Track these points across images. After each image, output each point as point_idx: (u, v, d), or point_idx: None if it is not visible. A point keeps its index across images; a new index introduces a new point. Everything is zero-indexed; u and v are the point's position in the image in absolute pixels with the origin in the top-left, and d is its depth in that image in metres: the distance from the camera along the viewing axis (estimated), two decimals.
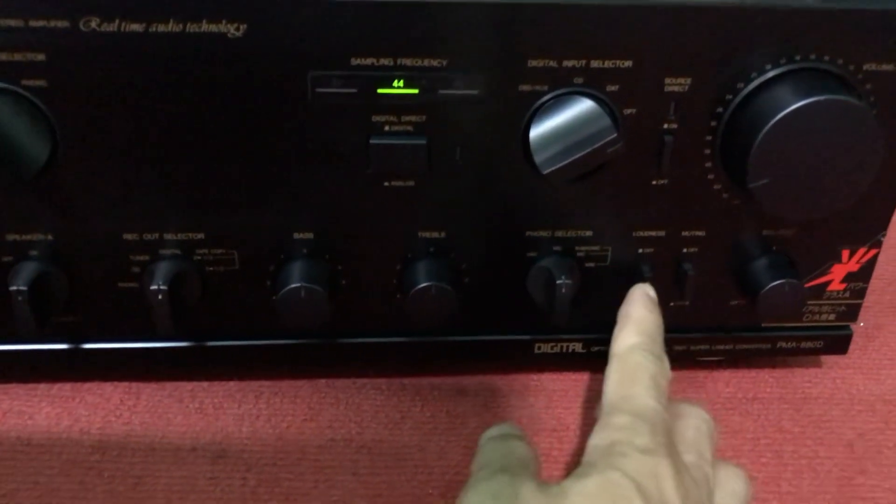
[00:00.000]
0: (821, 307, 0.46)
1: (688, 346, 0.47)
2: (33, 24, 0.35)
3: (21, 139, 0.36)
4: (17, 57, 0.35)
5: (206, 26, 0.35)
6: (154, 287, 0.40)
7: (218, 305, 0.43)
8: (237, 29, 0.36)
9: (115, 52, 0.36)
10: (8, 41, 0.35)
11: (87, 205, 0.39)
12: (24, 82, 0.36)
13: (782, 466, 0.44)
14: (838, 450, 0.45)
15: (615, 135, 0.37)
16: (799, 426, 0.47)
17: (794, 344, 0.47)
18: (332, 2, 0.36)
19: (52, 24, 0.35)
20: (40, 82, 0.36)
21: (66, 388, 0.46)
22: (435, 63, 0.37)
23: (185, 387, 0.47)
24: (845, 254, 0.44)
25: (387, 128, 0.39)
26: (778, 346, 0.47)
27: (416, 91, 0.38)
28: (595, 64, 0.38)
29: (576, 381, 0.48)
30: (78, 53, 0.35)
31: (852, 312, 0.47)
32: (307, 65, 0.37)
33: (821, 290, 0.45)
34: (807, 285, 0.44)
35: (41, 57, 0.35)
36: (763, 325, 0.47)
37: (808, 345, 0.47)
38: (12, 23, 0.35)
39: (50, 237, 0.40)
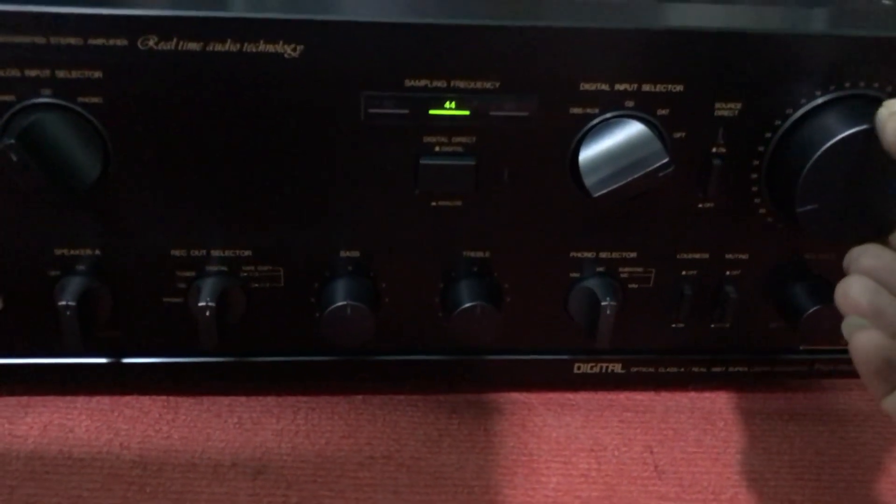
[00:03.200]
0: None
1: (726, 367, 0.47)
2: (92, 42, 0.35)
3: (74, 155, 0.37)
4: (75, 74, 0.36)
5: (263, 46, 0.36)
6: (202, 304, 0.40)
7: (260, 321, 0.43)
8: (294, 50, 0.36)
9: (172, 71, 0.36)
10: (66, 59, 0.35)
11: (136, 221, 0.40)
12: (80, 99, 0.36)
13: (821, 490, 0.44)
14: (875, 474, 0.45)
15: (667, 159, 0.37)
16: (836, 448, 0.47)
17: (831, 367, 0.48)
18: (387, 24, 0.36)
19: (111, 42, 0.35)
20: (96, 99, 0.36)
21: (105, 401, 0.46)
22: (487, 85, 0.37)
23: (223, 401, 0.47)
24: None
25: (437, 148, 0.39)
26: (815, 367, 0.48)
27: (467, 112, 0.38)
28: (647, 88, 0.38)
29: (612, 400, 0.49)
30: (134, 71, 0.36)
31: None
32: (361, 85, 0.37)
33: None
34: None
35: (98, 74, 0.36)
36: (802, 347, 0.47)
37: (846, 367, 0.47)
38: (72, 41, 0.35)
39: (97, 252, 0.40)
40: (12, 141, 0.34)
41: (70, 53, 0.35)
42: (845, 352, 0.47)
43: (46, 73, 0.35)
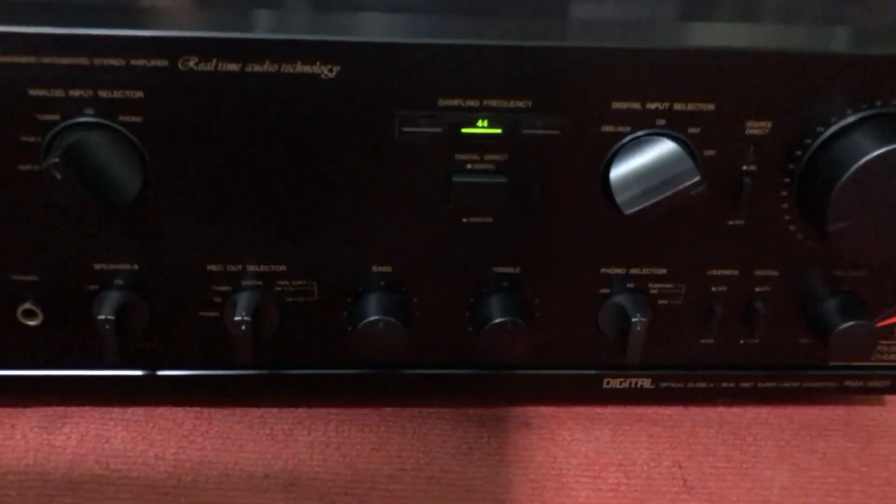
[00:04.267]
0: (890, 347, 0.46)
1: (755, 382, 0.47)
2: (134, 63, 0.36)
3: (115, 172, 0.37)
4: (116, 94, 0.36)
5: (300, 67, 0.36)
6: (237, 318, 0.40)
7: (294, 335, 0.44)
8: (330, 70, 0.36)
9: (211, 91, 0.36)
10: (108, 79, 0.36)
11: (174, 236, 0.40)
12: (122, 118, 0.37)
13: None
14: None
15: (699, 177, 0.37)
16: (865, 465, 0.47)
17: (861, 382, 0.47)
18: (421, 45, 0.36)
19: (152, 63, 0.36)
20: (136, 118, 0.37)
21: (140, 412, 0.47)
22: (519, 104, 0.38)
23: (255, 412, 0.48)
24: None
25: (469, 166, 0.39)
26: (845, 384, 0.48)
27: (499, 131, 0.38)
28: (678, 106, 0.38)
29: (641, 415, 0.49)
30: (174, 92, 0.36)
31: None
32: (395, 105, 0.38)
33: (891, 330, 0.45)
34: (877, 325, 0.45)
35: (139, 94, 0.36)
36: (831, 363, 0.47)
37: (876, 384, 0.47)
38: (114, 62, 0.36)
39: (136, 267, 0.41)
40: (57, 160, 0.35)
41: (112, 74, 0.36)
42: (876, 368, 0.48)
43: (89, 92, 0.36)
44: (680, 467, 0.46)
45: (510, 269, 0.43)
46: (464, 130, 0.38)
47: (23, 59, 0.35)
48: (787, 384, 0.47)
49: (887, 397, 0.51)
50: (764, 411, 0.50)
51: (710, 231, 0.42)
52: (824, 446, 0.48)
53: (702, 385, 0.47)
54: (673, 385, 0.47)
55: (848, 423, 0.49)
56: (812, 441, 0.48)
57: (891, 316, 0.45)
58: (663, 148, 0.38)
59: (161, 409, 0.47)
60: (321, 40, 0.36)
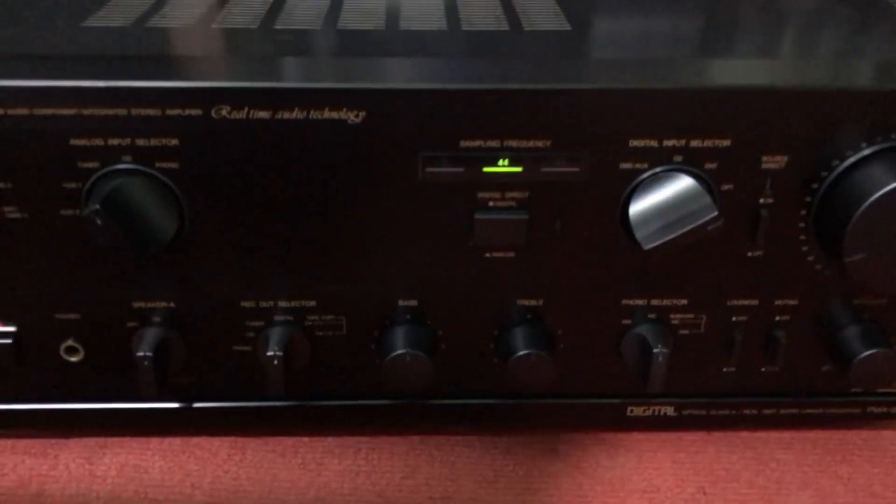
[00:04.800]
0: None
1: (777, 409, 0.48)
2: (169, 112, 0.37)
3: (152, 216, 0.39)
4: (153, 142, 0.38)
5: (327, 113, 0.38)
6: (270, 353, 0.42)
7: (324, 367, 0.45)
8: (356, 116, 0.38)
9: (243, 137, 0.38)
10: (145, 128, 0.38)
11: (209, 275, 0.42)
12: (158, 164, 0.39)
13: None
14: None
15: (716, 213, 0.38)
16: (892, 491, 0.47)
17: (884, 409, 0.48)
18: (443, 90, 0.38)
19: (186, 112, 0.37)
20: (172, 164, 0.39)
21: (177, 442, 0.49)
22: (539, 144, 0.39)
23: (288, 442, 0.49)
24: None
25: (491, 203, 0.40)
26: (868, 410, 0.48)
27: (520, 169, 0.40)
28: (695, 143, 0.39)
29: (665, 441, 0.49)
30: (208, 138, 0.38)
31: None
32: (419, 147, 0.39)
33: None
34: None
35: (174, 142, 0.38)
36: (853, 390, 0.47)
37: None
38: (150, 112, 0.37)
39: (172, 305, 0.43)
40: (98, 207, 0.37)
41: (148, 123, 0.38)
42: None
43: (127, 141, 0.38)
44: (704, 493, 0.47)
45: (533, 302, 0.44)
46: (485, 169, 0.40)
47: (65, 111, 0.37)
48: (810, 411, 0.48)
49: None
50: (787, 436, 0.50)
51: (729, 262, 0.43)
52: (849, 471, 0.48)
53: (724, 412, 0.48)
54: (696, 412, 0.48)
55: (873, 448, 0.49)
56: (836, 466, 0.48)
57: None
58: (681, 184, 0.39)
59: (197, 440, 0.49)
60: (347, 88, 0.37)
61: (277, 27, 0.45)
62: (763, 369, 0.46)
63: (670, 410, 0.48)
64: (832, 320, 0.44)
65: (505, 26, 0.46)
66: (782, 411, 0.48)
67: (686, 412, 0.48)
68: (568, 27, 0.46)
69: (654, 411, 0.48)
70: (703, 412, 0.48)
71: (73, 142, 0.38)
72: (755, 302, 0.44)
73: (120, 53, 0.41)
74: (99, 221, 0.37)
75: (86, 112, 0.37)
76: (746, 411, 0.48)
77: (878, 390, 0.47)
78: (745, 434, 0.50)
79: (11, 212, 0.40)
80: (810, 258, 0.42)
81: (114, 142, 0.38)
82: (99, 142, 0.38)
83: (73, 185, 0.39)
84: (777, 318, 0.44)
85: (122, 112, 0.37)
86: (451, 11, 0.49)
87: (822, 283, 0.43)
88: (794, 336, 0.45)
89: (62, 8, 0.48)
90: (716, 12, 0.51)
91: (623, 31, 0.47)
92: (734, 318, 0.44)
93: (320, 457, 0.48)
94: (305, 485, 0.47)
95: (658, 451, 0.49)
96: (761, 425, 0.49)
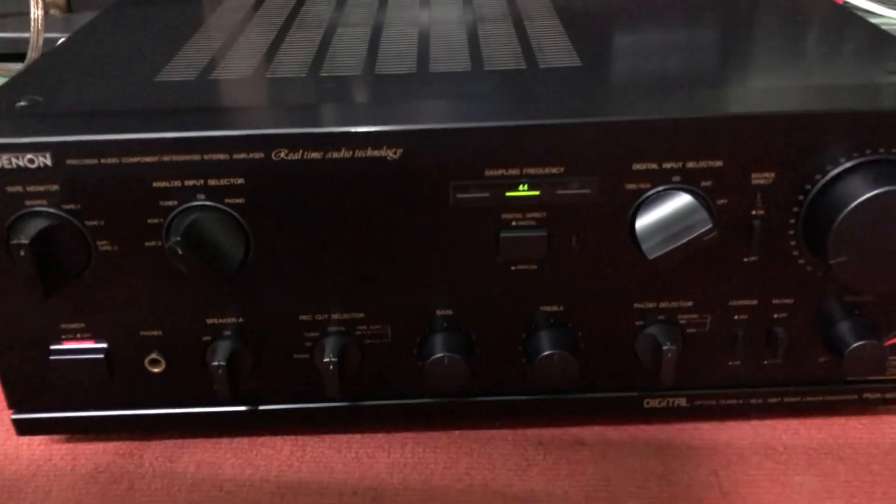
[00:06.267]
0: None
1: (781, 398, 0.53)
2: (236, 156, 0.44)
3: (223, 245, 0.45)
4: (223, 182, 0.44)
5: (370, 152, 0.44)
6: (326, 360, 0.48)
7: (373, 371, 0.51)
8: (394, 153, 0.44)
9: (299, 175, 0.44)
10: (216, 170, 0.44)
11: (272, 294, 0.48)
12: (227, 201, 0.45)
13: None
14: None
15: (710, 225, 0.44)
16: (889, 469, 0.51)
17: (879, 395, 0.53)
18: (469, 128, 0.44)
19: (251, 155, 0.44)
20: (239, 200, 0.45)
21: (245, 441, 0.55)
22: (554, 170, 0.45)
23: (342, 439, 0.55)
24: None
25: (514, 223, 0.46)
26: (864, 396, 0.53)
27: (538, 193, 0.45)
28: (690, 164, 0.44)
29: (680, 431, 0.55)
30: (269, 177, 0.44)
31: None
32: (449, 176, 0.45)
33: None
34: (887, 343, 0.50)
35: (240, 181, 0.45)
36: (849, 378, 0.52)
37: (893, 395, 0.53)
38: (220, 156, 0.44)
39: (241, 320, 0.49)
40: (178, 238, 0.44)
41: (218, 166, 0.44)
42: (892, 381, 0.53)
43: (200, 182, 0.44)
44: (717, 475, 0.52)
45: (555, 308, 0.49)
46: (508, 194, 0.45)
47: (148, 159, 0.44)
48: (811, 399, 0.53)
49: None
50: (793, 423, 0.55)
51: (728, 267, 0.48)
52: (850, 453, 0.53)
53: (732, 402, 0.53)
54: (706, 403, 0.53)
55: (872, 432, 0.54)
56: (838, 448, 0.53)
57: None
58: (680, 201, 0.45)
59: (263, 439, 0.55)
60: (386, 130, 0.43)
61: (323, 74, 0.52)
62: (765, 362, 0.51)
63: (683, 402, 0.53)
64: (825, 316, 0.49)
65: (522, 64, 0.52)
66: (785, 399, 0.53)
67: (697, 403, 0.53)
68: (579, 63, 0.52)
69: (668, 402, 0.53)
70: (714, 402, 0.53)
71: (155, 184, 0.44)
72: (754, 302, 0.49)
73: (192, 105, 0.48)
74: (180, 251, 0.44)
75: (165, 159, 0.44)
76: (753, 401, 0.53)
77: (870, 378, 0.52)
78: (754, 422, 0.55)
79: (104, 245, 0.46)
80: (801, 261, 0.47)
81: (189, 183, 0.44)
82: (177, 183, 0.44)
83: (155, 221, 0.45)
84: (775, 315, 0.49)
85: (195, 157, 0.44)
86: (475, 51, 0.55)
87: (813, 284, 0.48)
88: (791, 331, 0.50)
89: (133, 64, 0.54)
90: (704, 47, 0.56)
91: (626, 66, 0.53)
92: (736, 317, 0.50)
93: (372, 451, 0.54)
94: (359, 476, 0.53)
95: (675, 438, 0.54)
96: (768, 413, 0.54)
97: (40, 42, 0.85)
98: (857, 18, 0.60)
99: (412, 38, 0.58)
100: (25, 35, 0.87)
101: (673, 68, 0.52)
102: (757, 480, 0.51)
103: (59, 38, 0.71)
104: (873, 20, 0.64)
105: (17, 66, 0.90)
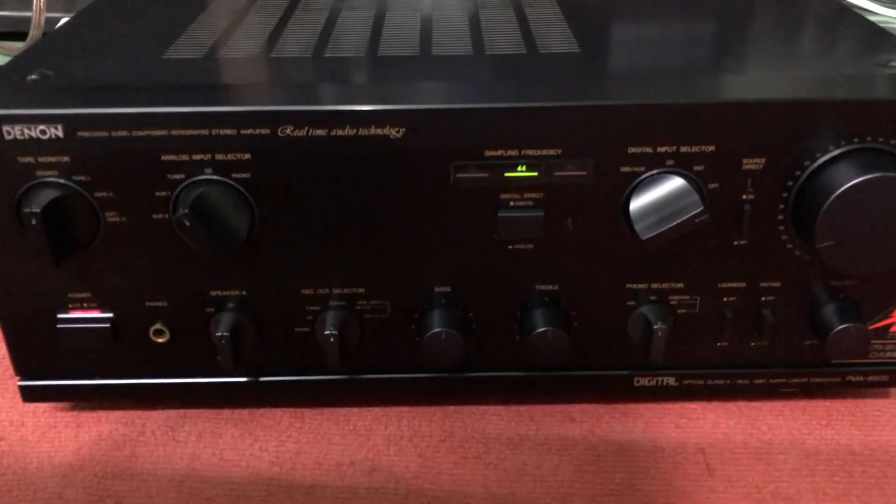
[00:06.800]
0: (885, 346, 0.53)
1: (767, 379, 0.54)
2: (243, 132, 0.45)
3: (229, 218, 0.47)
4: (230, 157, 0.46)
5: (373, 130, 0.45)
6: (327, 332, 0.49)
7: (372, 346, 0.53)
8: (397, 132, 0.45)
9: (304, 151, 0.46)
10: (223, 145, 0.45)
11: (275, 268, 0.50)
12: (234, 175, 0.46)
13: (853, 484, 0.51)
14: None
15: (702, 208, 0.45)
16: (869, 450, 0.53)
17: (861, 378, 0.54)
18: (470, 109, 0.45)
19: (257, 131, 0.45)
20: (245, 175, 0.46)
21: (245, 413, 0.56)
22: (551, 152, 0.46)
23: (340, 412, 0.56)
24: None
25: (512, 203, 0.48)
26: (847, 379, 0.54)
27: (535, 174, 0.47)
28: (684, 149, 0.46)
29: (668, 410, 0.56)
30: (275, 153, 0.46)
31: None
32: (450, 157, 0.46)
33: (884, 331, 0.52)
34: (871, 327, 0.51)
35: (247, 156, 0.46)
36: (834, 361, 0.54)
37: (875, 378, 0.54)
38: (228, 132, 0.45)
39: (244, 293, 0.50)
40: (186, 210, 0.45)
41: (226, 141, 0.45)
42: (874, 364, 0.55)
43: (208, 156, 0.46)
44: (703, 453, 0.53)
45: (550, 287, 0.51)
46: (506, 175, 0.47)
47: (157, 133, 0.45)
48: (796, 380, 0.54)
49: (892, 390, 0.57)
50: (778, 405, 0.57)
51: (719, 250, 0.49)
52: (832, 434, 0.54)
53: (720, 382, 0.54)
54: (695, 382, 0.54)
55: (854, 414, 0.56)
56: (821, 430, 0.55)
57: (883, 318, 0.52)
58: (673, 184, 0.46)
59: (262, 410, 0.56)
60: (389, 109, 0.45)
61: (327, 55, 0.53)
62: (752, 343, 0.53)
63: (672, 381, 0.54)
64: (811, 299, 0.51)
65: (522, 49, 0.53)
66: (771, 381, 0.54)
67: (686, 382, 0.54)
68: (578, 49, 0.53)
69: (657, 381, 0.54)
70: (702, 382, 0.54)
71: (164, 157, 0.46)
72: (743, 284, 0.51)
73: (200, 82, 0.49)
74: (187, 223, 0.45)
75: (174, 133, 0.45)
76: (740, 381, 0.54)
77: (853, 360, 0.53)
78: (741, 403, 0.57)
79: (112, 216, 0.47)
80: (789, 245, 0.49)
81: (197, 157, 0.46)
82: (185, 157, 0.46)
83: (163, 194, 0.47)
84: (763, 298, 0.51)
85: (203, 132, 0.45)
86: (476, 36, 0.56)
87: (801, 267, 0.50)
88: (778, 314, 0.51)
89: (142, 42, 0.56)
90: (701, 36, 0.57)
91: (624, 52, 0.54)
92: (725, 299, 0.51)
93: (369, 424, 0.56)
94: (356, 448, 0.54)
95: (664, 418, 0.56)
96: (754, 394, 0.56)
97: (42, 21, 0.86)
98: (854, 15, 0.61)
99: (415, 22, 0.59)
100: (27, 14, 0.87)
101: (669, 56, 0.53)
102: (741, 458, 0.53)
103: (61, 18, 0.72)
104: (871, 18, 0.66)
105: (18, 45, 0.91)
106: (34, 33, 0.87)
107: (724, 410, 0.56)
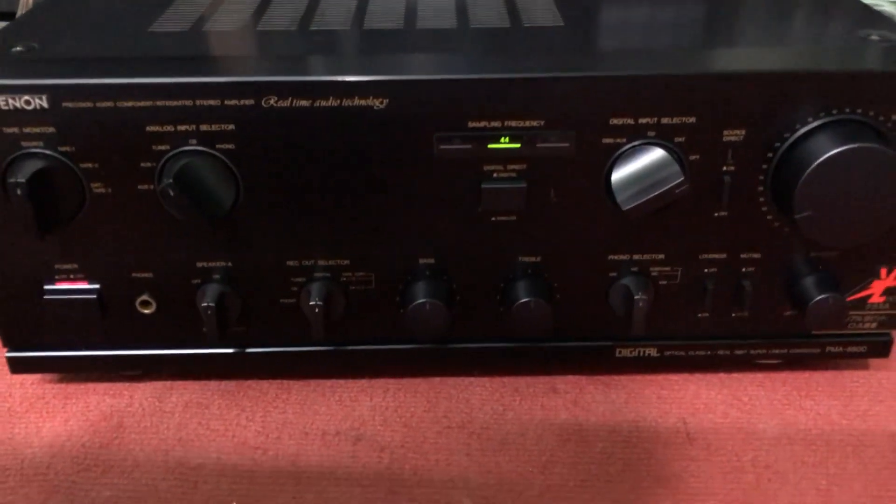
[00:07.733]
0: (863, 317, 0.54)
1: (747, 350, 0.55)
2: (227, 102, 0.45)
3: (214, 189, 0.47)
4: (214, 127, 0.46)
5: (357, 101, 0.45)
6: (312, 303, 0.50)
7: (357, 317, 0.53)
8: (381, 103, 0.46)
9: (288, 122, 0.46)
10: (207, 116, 0.46)
11: (260, 239, 0.50)
12: (218, 146, 0.47)
13: (830, 452, 0.52)
14: (881, 439, 0.53)
15: (682, 178, 0.46)
16: (846, 419, 0.54)
17: (840, 349, 0.55)
18: (453, 79, 0.45)
19: (241, 102, 0.45)
20: (230, 146, 0.47)
21: (232, 384, 0.57)
22: (534, 123, 0.46)
23: (327, 383, 0.57)
24: (883, 271, 0.52)
25: (495, 175, 0.48)
26: (827, 350, 0.55)
27: (518, 146, 0.47)
28: (665, 121, 0.46)
29: (651, 381, 0.57)
30: (259, 123, 0.46)
31: (892, 321, 0.54)
32: (434, 128, 0.46)
33: (863, 302, 0.53)
34: (849, 298, 0.52)
35: (231, 127, 0.46)
36: (813, 332, 0.54)
37: (854, 349, 0.55)
38: (212, 102, 0.45)
39: (230, 264, 0.51)
40: (171, 180, 0.45)
41: (210, 112, 0.46)
42: (853, 335, 0.56)
43: (192, 127, 0.46)
44: (684, 423, 0.54)
45: (533, 259, 0.51)
46: (490, 146, 0.47)
47: (142, 103, 0.45)
48: (777, 351, 0.55)
49: (871, 361, 0.58)
50: (760, 376, 0.57)
51: (699, 221, 0.50)
52: (811, 404, 0.55)
53: (701, 353, 0.55)
54: (676, 353, 0.55)
55: (833, 385, 0.57)
56: (801, 400, 0.56)
57: (861, 290, 0.52)
58: (654, 155, 0.46)
59: (249, 382, 0.57)
60: (373, 80, 0.45)
61: (313, 28, 0.53)
62: (733, 314, 0.53)
63: (653, 351, 0.55)
64: (790, 270, 0.52)
65: (507, 23, 0.54)
66: (752, 351, 0.55)
67: (668, 353, 0.55)
68: (562, 23, 0.54)
69: (639, 352, 0.55)
70: (683, 353, 0.55)
71: (149, 128, 0.46)
72: (723, 256, 0.51)
73: (185, 54, 0.49)
74: (171, 193, 0.45)
75: (159, 104, 0.45)
76: (721, 352, 0.55)
77: (834, 331, 0.54)
78: (722, 375, 0.58)
79: (97, 187, 0.48)
80: (769, 217, 0.49)
81: (182, 128, 0.46)
82: (169, 128, 0.46)
83: (148, 165, 0.47)
84: (743, 269, 0.52)
85: (188, 103, 0.45)
86: (461, 9, 0.56)
87: (780, 239, 0.50)
88: (758, 285, 0.52)
89: (127, 16, 0.56)
90: (686, 11, 0.57)
91: (608, 26, 0.54)
92: (706, 270, 0.52)
93: (355, 395, 0.56)
94: (342, 418, 0.55)
95: (646, 389, 0.57)
96: (735, 365, 0.57)
97: (30, 1, 0.86)
98: None
99: None
100: None
101: (653, 30, 0.53)
102: (721, 427, 0.54)
103: None
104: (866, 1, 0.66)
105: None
106: (22, 12, 0.86)
107: (705, 381, 0.57)
